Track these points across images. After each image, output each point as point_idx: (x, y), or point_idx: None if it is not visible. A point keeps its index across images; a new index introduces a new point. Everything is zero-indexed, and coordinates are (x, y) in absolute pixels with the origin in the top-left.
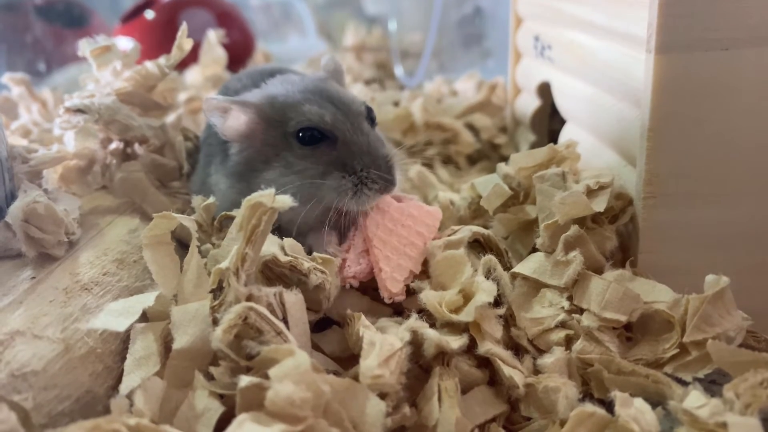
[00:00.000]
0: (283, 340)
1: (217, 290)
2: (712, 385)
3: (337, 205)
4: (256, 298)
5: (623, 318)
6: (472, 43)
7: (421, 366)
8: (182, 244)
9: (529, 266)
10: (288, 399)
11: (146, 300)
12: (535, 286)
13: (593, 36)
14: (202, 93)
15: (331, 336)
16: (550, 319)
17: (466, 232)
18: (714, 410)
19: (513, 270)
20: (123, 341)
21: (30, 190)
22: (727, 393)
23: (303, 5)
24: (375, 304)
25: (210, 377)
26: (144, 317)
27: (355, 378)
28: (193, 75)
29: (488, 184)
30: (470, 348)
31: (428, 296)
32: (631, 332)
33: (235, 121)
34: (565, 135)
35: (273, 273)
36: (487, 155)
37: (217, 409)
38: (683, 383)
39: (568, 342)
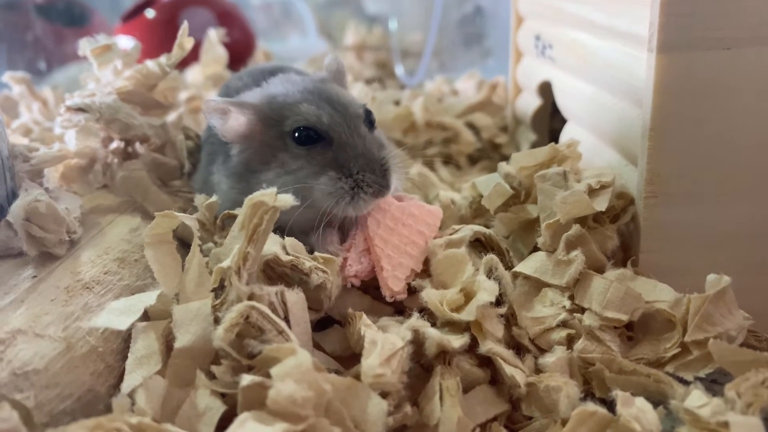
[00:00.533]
0: (284, 339)
1: (219, 289)
2: (714, 384)
3: (332, 209)
4: (258, 297)
5: (624, 317)
6: (473, 42)
7: (422, 365)
8: (183, 243)
9: (531, 265)
10: (290, 398)
11: (148, 299)
12: (537, 286)
13: (594, 35)
14: (203, 92)
15: (332, 335)
16: (552, 319)
17: (467, 231)
18: (715, 409)
19: (514, 269)
20: (124, 340)
21: (31, 189)
22: (728, 392)
23: (303, 4)
24: (376, 303)
25: (212, 376)
26: (145, 316)
27: (357, 377)
28: (194, 74)
29: (489, 184)
30: (471, 347)
31: (429, 295)
32: (632, 331)
33: (234, 122)
34: (566, 134)
35: (274, 272)
36: (488, 155)
37: (218, 408)
38: (684, 382)
39: (570, 341)
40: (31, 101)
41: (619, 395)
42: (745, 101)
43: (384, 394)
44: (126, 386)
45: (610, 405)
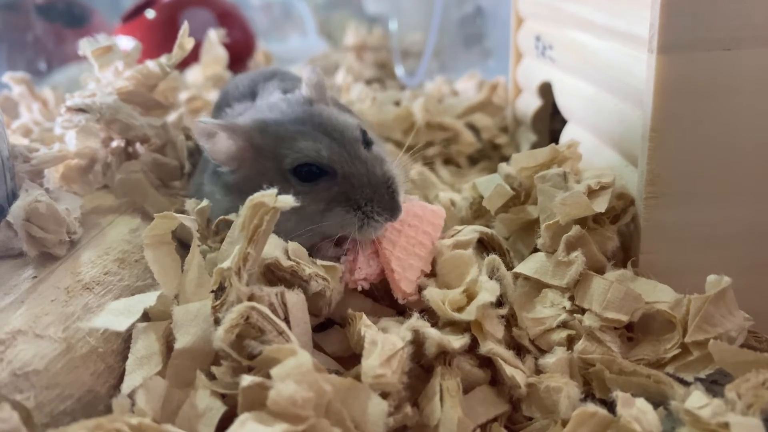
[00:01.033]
0: (284, 339)
1: (219, 290)
2: (714, 385)
3: (343, 234)
4: (258, 298)
5: (625, 318)
6: (473, 42)
7: (422, 365)
8: (183, 244)
9: (531, 266)
10: (290, 399)
11: (148, 299)
12: (537, 286)
13: (595, 36)
14: (203, 92)
15: (332, 335)
16: (552, 319)
17: (472, 232)
18: (716, 410)
19: (515, 270)
20: (125, 341)
21: (31, 189)
22: (728, 393)
23: (303, 5)
24: (377, 304)
25: (212, 377)
26: (145, 317)
27: (357, 377)
28: (194, 74)
29: (490, 184)
30: (472, 348)
31: (432, 294)
32: (632, 332)
33: (223, 145)
34: (567, 135)
35: (274, 276)
36: (488, 155)
37: (219, 408)
38: (685, 383)
39: (570, 342)
40: (31, 101)
41: (619, 396)
42: (745, 102)
43: (384, 395)
44: (126, 387)
45: (610, 406)
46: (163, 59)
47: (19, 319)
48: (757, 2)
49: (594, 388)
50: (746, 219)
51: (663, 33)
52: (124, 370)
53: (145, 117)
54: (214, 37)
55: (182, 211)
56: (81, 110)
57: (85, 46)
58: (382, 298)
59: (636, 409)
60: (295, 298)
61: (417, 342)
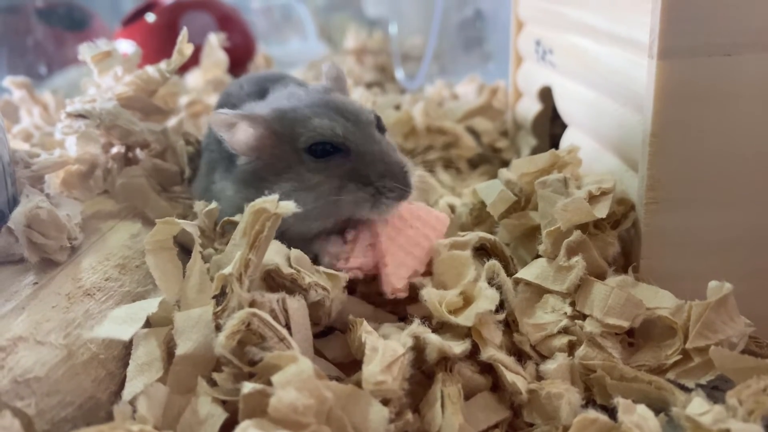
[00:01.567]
0: (286, 346)
1: (220, 296)
2: (715, 391)
3: (356, 216)
4: (259, 304)
5: (626, 324)
6: (473, 46)
7: (423, 372)
8: (184, 249)
9: (532, 272)
10: (291, 406)
11: (149, 306)
12: (538, 292)
13: (595, 41)
14: (203, 96)
15: (333, 341)
16: (553, 325)
17: (474, 236)
18: (717, 417)
19: (515, 275)
20: (125, 347)
21: (32, 195)
22: (730, 399)
23: (303, 8)
24: (378, 310)
25: (213, 383)
26: (147, 323)
27: (358, 384)
28: (194, 78)
29: (490, 190)
30: (473, 353)
31: (429, 294)
32: (633, 338)
33: (244, 135)
34: (567, 139)
35: (275, 282)
36: (488, 159)
37: (220, 415)
38: (686, 389)
39: (571, 348)
40: (32, 106)
41: (620, 402)
42: (745, 107)
43: (385, 401)
44: (127, 393)
45: (611, 412)
46: (163, 65)
47: (20, 325)
48: (757, 8)
49: (595, 394)
50: (747, 224)
51: (663, 38)
52: (125, 376)
53: (145, 122)
54: (215, 41)
55: (184, 216)
56: (81, 116)
57: (84, 51)
58: (383, 304)
59: (637, 416)
60: (296, 304)
61: (418, 348)
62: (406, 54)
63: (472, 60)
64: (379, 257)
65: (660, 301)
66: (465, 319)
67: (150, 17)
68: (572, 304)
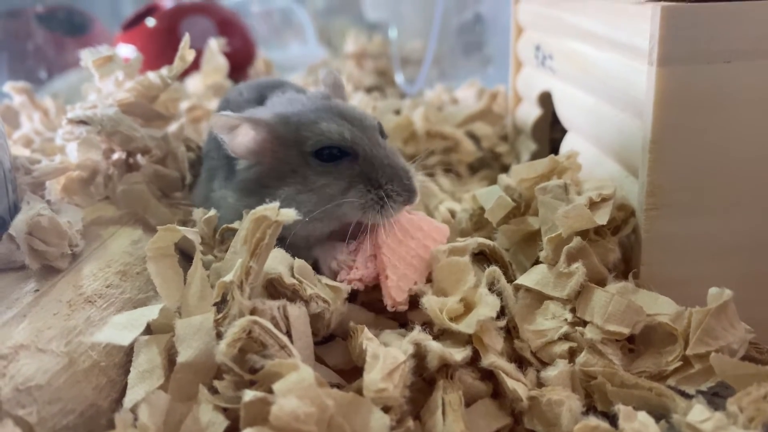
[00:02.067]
0: (287, 354)
1: (221, 303)
2: (715, 397)
3: (360, 219)
4: (260, 312)
5: (626, 331)
6: (473, 50)
7: (424, 378)
8: (185, 255)
9: (532, 278)
10: (292, 414)
11: (150, 313)
12: (539, 298)
13: (594, 46)
14: (204, 101)
15: (334, 348)
16: (553, 332)
17: (472, 242)
18: (718, 424)
19: (516, 282)
20: (127, 354)
21: (33, 201)
22: (730, 407)
23: (303, 12)
24: (378, 317)
25: (214, 391)
26: (148, 330)
27: (359, 391)
28: (195, 83)
29: (490, 196)
30: (474, 360)
31: (430, 301)
32: (633, 344)
33: (245, 138)
34: (567, 145)
35: (276, 291)
36: (489, 164)
37: (221, 422)
38: (686, 396)
39: (572, 354)
40: (32, 111)
41: (621, 409)
42: (745, 114)
43: (386, 409)
44: (128, 401)
45: (612, 419)
46: (164, 71)
47: (21, 333)
48: (756, 15)
49: (596, 401)
50: (747, 230)
51: (663, 45)
52: (126, 383)
53: (146, 128)
54: (215, 46)
55: (185, 222)
56: (82, 122)
57: (86, 56)
58: (384, 311)
59: (638, 423)
60: (297, 312)
61: (419, 355)
62: (405, 58)
63: (472, 64)
64: (380, 269)
65: (660, 307)
66: (466, 327)
67: (150, 22)
68: (573, 310)
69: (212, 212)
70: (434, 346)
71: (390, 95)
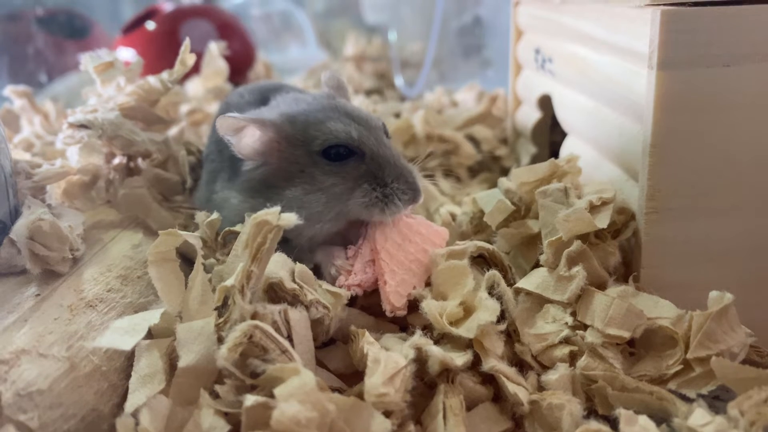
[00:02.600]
0: (288, 358)
1: (222, 307)
2: (716, 401)
3: (365, 217)
4: (261, 316)
5: (627, 334)
6: (472, 52)
7: (425, 383)
8: (186, 259)
9: (533, 281)
10: (294, 418)
11: (152, 317)
12: (539, 302)
13: (594, 50)
14: (204, 105)
15: (335, 352)
16: (554, 335)
17: (470, 245)
18: (719, 428)
19: (516, 285)
20: (128, 358)
21: (34, 206)
22: (731, 410)
23: (303, 15)
24: (379, 321)
25: (215, 395)
26: (149, 334)
27: (360, 395)
28: (195, 86)
29: (490, 199)
30: (474, 364)
31: (430, 306)
32: (634, 347)
33: (251, 139)
34: (567, 148)
35: (277, 295)
36: (488, 167)
37: (222, 427)
38: (687, 400)
39: (572, 358)
40: (33, 115)
41: (622, 414)
42: (745, 117)
43: (387, 413)
44: (130, 405)
45: (613, 423)
46: (165, 75)
47: (22, 338)
48: (756, 19)
49: (597, 404)
50: (747, 233)
51: (663, 49)
52: (127, 388)
53: (147, 132)
54: (215, 49)
55: (186, 226)
56: (83, 126)
57: (86, 61)
58: (384, 315)
59: (639, 427)
60: (298, 316)
61: (420, 359)
62: (405, 61)
63: (472, 67)
64: (378, 274)
65: (661, 311)
66: (467, 331)
67: (150, 25)
68: (573, 314)
69: (215, 215)
70: (435, 351)
71: (389, 98)
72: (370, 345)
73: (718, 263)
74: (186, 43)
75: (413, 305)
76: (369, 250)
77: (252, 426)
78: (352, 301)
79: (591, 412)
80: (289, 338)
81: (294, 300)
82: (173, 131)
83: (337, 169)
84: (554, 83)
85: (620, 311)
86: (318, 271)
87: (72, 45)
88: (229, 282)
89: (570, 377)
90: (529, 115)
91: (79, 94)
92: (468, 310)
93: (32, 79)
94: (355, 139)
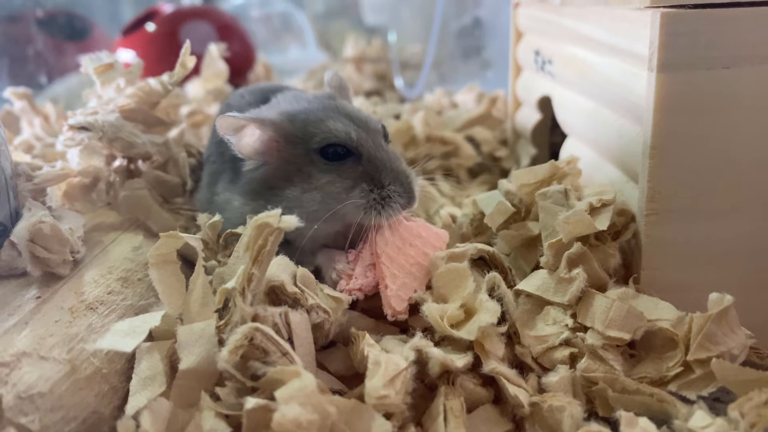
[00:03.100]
0: (288, 360)
1: (223, 309)
2: (716, 402)
3: (361, 220)
4: (262, 318)
5: (627, 336)
6: (472, 54)
7: (426, 385)
8: (186, 260)
9: (533, 283)
10: (294, 421)
11: (152, 320)
12: (539, 304)
13: (594, 51)
14: (204, 106)
15: (335, 354)
16: (555, 337)
17: (470, 248)
18: (719, 430)
19: (517, 287)
20: (128, 361)
21: (35, 208)
22: (731, 412)
23: (303, 16)
24: (379, 323)
25: (216, 398)
26: (149, 336)
27: (361, 398)
28: (195, 88)
29: (490, 201)
30: (475, 366)
31: (430, 309)
32: (634, 350)
33: (251, 138)
34: (567, 149)
35: (278, 298)
36: (488, 168)
37: (223, 429)
38: (687, 401)
39: (573, 360)
40: (33, 116)
41: (622, 416)
42: (745, 119)
43: (388, 415)
44: (130, 408)
45: (613, 425)
46: (165, 77)
47: (23, 340)
48: (755, 21)
49: (597, 406)
50: (747, 235)
51: (663, 51)
52: (128, 390)
53: (147, 134)
54: (215, 51)
55: (187, 228)
56: (83, 128)
57: (86, 63)
58: (384, 317)
59: (639, 429)
60: (298, 318)
61: (420, 361)
62: (405, 62)
63: (471, 68)
64: (379, 278)
65: (661, 312)
66: (467, 333)
67: (150, 27)
68: (573, 316)
69: (217, 217)
70: (435, 353)
71: (389, 99)
72: (370, 347)
73: (718, 265)
74: (186, 46)
75: (414, 308)
76: (370, 254)
77: (253, 428)
78: (353, 304)
79: (591, 414)
80: (290, 341)
81: (295, 304)
82: (173, 133)
83: (334, 168)
84: (554, 85)
85: (620, 313)
86: (319, 274)
87: (72, 46)
88: (230, 284)
89: (570, 379)
90: (529, 117)
91: (79, 96)
92: (468, 313)
93: (32, 81)
94: (354, 140)
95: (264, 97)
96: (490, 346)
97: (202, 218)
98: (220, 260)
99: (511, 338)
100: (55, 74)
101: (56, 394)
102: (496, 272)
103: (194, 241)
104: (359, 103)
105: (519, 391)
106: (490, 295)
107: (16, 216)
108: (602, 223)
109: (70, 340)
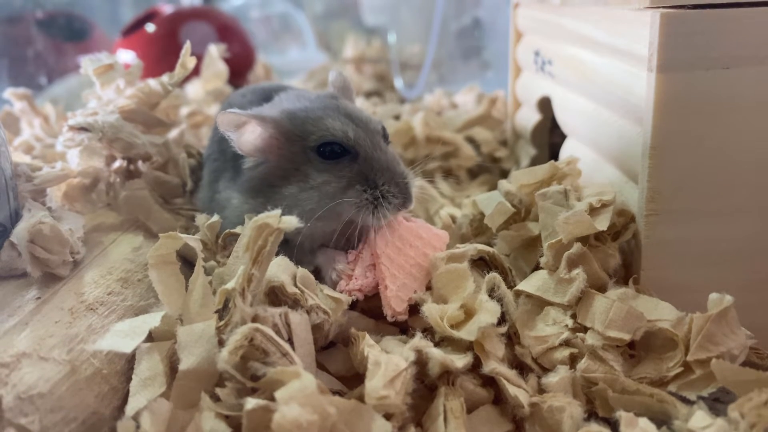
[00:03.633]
0: (288, 361)
1: (223, 310)
2: (716, 403)
3: (355, 219)
4: (262, 319)
5: (627, 337)
6: (472, 54)
7: (426, 385)
8: (186, 261)
9: (533, 284)
10: (295, 422)
11: (152, 320)
12: (539, 304)
13: (594, 52)
14: (204, 107)
15: (335, 355)
16: (554, 338)
17: (470, 248)
18: (719, 430)
19: (517, 287)
20: (128, 361)
21: (35, 209)
22: (731, 413)
23: (302, 17)
24: (379, 323)
25: (216, 398)
26: (149, 337)
27: (361, 398)
28: (195, 89)
29: (490, 201)
30: (475, 367)
31: (430, 310)
32: (634, 350)
33: (252, 135)
34: (566, 150)
35: (278, 299)
36: (488, 169)
37: (223, 430)
38: (687, 402)
39: (573, 360)
40: (33, 117)
41: (622, 416)
42: (744, 119)
43: (388, 416)
44: (130, 409)
45: (613, 425)
46: (165, 78)
47: (23, 341)
48: (755, 21)
49: (597, 407)
50: (747, 235)
51: (662, 52)
52: (128, 391)
53: (147, 135)
54: (215, 52)
55: (186, 228)
56: (83, 129)
57: (86, 64)
58: (384, 317)
59: (639, 429)
60: (298, 318)
61: (420, 362)
62: (404, 63)
63: (471, 69)
64: (379, 279)
65: (661, 313)
66: (467, 334)
67: (150, 27)
68: (573, 316)
69: (215, 218)
70: (435, 353)
71: (389, 100)
72: (370, 347)
73: (718, 265)
74: (186, 46)
75: (414, 308)
76: (370, 254)
77: (253, 429)
78: (353, 304)
79: (591, 415)
80: (290, 341)
81: (295, 304)
82: (173, 134)
83: (330, 167)
84: (554, 85)
85: (620, 313)
86: (318, 274)
87: (72, 47)
88: (229, 285)
89: (570, 379)
90: (528, 117)
91: (79, 97)
92: (468, 313)
93: (32, 82)
94: (351, 139)
95: (266, 97)
96: (490, 347)
97: (201, 219)
98: (219, 261)
99: (511, 339)
100: (54, 75)
101: (56, 394)
102: (496, 273)
103: (194, 241)
104: (359, 104)
105: (519, 391)
106: (490, 296)
107: (16, 217)
108: (602, 223)
109: (70, 341)
